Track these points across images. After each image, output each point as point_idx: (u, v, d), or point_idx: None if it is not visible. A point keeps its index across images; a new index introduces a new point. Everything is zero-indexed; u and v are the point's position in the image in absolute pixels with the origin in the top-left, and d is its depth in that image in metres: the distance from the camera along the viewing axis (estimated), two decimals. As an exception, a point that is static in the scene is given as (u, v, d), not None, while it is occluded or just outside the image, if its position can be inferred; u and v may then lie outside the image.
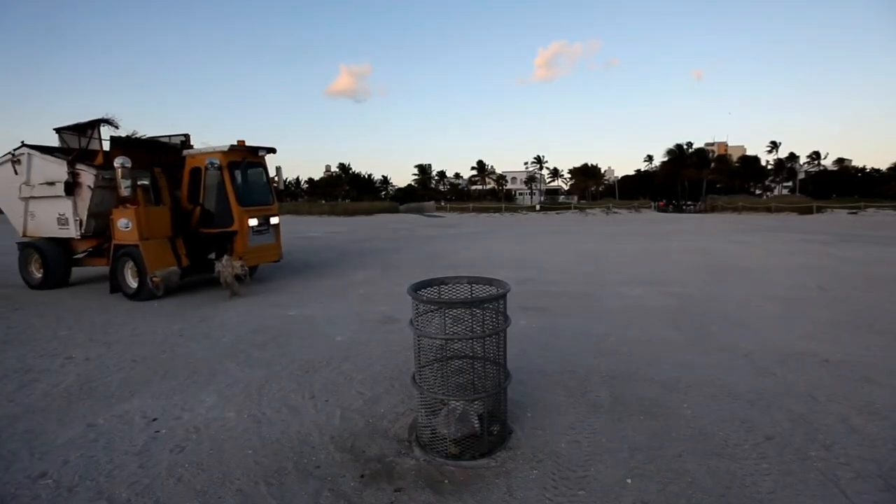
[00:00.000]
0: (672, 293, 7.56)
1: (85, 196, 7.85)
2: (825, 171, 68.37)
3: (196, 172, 8.16)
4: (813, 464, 2.80)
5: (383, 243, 16.69)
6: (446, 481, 2.69)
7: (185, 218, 8.21)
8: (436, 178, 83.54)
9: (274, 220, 8.72)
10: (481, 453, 2.90)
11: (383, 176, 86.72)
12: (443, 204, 58.35)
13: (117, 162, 7.23)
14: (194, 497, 2.59)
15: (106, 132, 8.38)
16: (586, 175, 74.82)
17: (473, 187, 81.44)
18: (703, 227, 22.69)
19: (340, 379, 4.23)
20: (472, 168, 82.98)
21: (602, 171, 78.89)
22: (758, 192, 67.60)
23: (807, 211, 36.58)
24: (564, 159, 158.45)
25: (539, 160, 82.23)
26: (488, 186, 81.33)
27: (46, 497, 2.62)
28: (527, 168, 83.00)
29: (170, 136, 8.99)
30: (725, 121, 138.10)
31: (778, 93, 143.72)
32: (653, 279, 8.82)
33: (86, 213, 7.92)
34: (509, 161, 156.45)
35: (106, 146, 8.45)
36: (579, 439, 3.12)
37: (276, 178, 9.18)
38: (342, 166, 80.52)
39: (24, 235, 8.90)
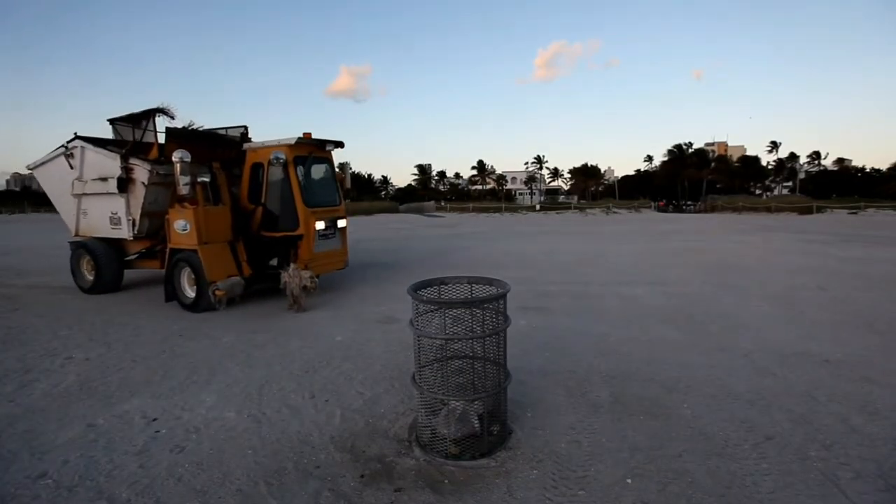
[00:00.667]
0: (672, 293, 7.57)
1: (138, 193, 7.17)
2: (825, 171, 68.41)
3: (257, 168, 7.39)
4: (813, 464, 2.80)
5: (383, 243, 16.69)
6: (446, 481, 2.69)
7: (245, 219, 7.46)
8: (436, 178, 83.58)
9: (341, 223, 7.89)
10: (481, 453, 2.90)
11: (383, 176, 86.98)
12: (443, 204, 58.35)
13: (176, 156, 6.51)
14: (194, 497, 2.60)
15: (161, 123, 7.56)
16: (586, 175, 74.88)
17: (473, 187, 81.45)
18: (703, 227, 22.68)
19: (340, 379, 4.23)
20: (472, 168, 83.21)
21: (602, 171, 79.00)
22: (758, 192, 67.61)
23: (807, 211, 36.55)
24: (564, 159, 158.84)
25: (539, 160, 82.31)
26: (488, 186, 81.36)
27: (46, 497, 2.63)
28: (527, 168, 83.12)
29: (227, 129, 8.27)
30: (725, 121, 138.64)
31: (778, 93, 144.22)
32: (653, 279, 8.82)
33: (139, 211, 7.23)
34: (509, 161, 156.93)
35: (161, 138, 7.54)
36: (579, 439, 3.13)
37: (342, 175, 8.42)
38: (342, 166, 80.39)
39: (77, 235, 8.32)
